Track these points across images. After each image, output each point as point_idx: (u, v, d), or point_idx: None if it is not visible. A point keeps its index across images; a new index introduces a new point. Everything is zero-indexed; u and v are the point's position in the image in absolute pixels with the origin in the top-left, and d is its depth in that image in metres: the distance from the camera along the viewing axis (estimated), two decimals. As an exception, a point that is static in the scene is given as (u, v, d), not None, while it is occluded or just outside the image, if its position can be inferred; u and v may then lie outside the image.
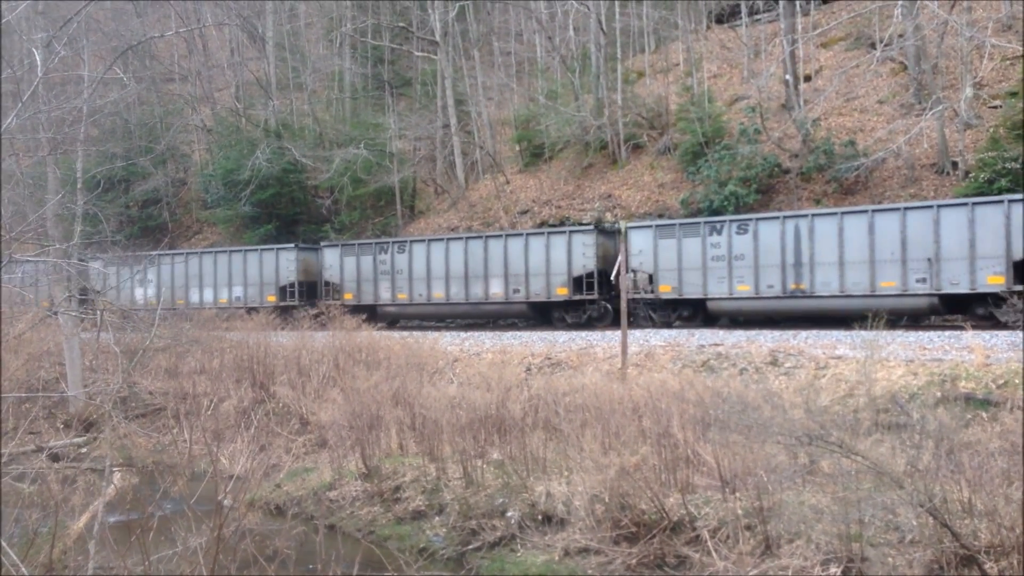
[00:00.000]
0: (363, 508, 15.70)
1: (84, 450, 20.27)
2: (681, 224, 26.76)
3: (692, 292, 25.96)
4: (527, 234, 29.64)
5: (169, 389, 23.73)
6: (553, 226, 34.10)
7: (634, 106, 38.37)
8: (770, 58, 38.52)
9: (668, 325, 26.31)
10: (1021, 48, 28.25)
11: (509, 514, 13.79)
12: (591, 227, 29.03)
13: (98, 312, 12.77)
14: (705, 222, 26.25)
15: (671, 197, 33.96)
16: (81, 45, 28.09)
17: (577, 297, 28.21)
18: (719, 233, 25.54)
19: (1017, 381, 15.01)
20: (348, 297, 32.69)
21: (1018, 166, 25.52)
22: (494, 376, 18.63)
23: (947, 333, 20.60)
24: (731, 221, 25.71)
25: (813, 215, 24.54)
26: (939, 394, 14.95)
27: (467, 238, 31.02)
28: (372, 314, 31.86)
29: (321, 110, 48.60)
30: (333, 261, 33.51)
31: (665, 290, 26.42)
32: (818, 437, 10.34)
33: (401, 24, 47.07)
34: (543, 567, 12.48)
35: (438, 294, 30.95)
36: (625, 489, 12.42)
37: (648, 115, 38.13)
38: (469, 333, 27.85)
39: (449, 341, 25.55)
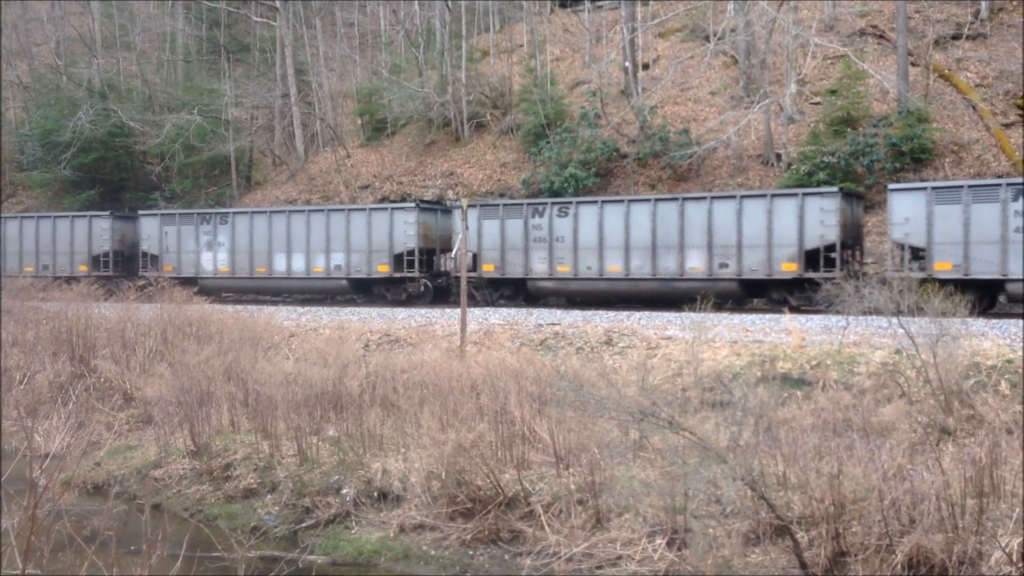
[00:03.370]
0: (191, 487, 15.19)
1: None
2: (971, 186, 21.70)
3: (984, 271, 21.28)
4: (741, 196, 24.58)
5: (-24, 362, 22.14)
6: (394, 202, 33.40)
7: (478, 85, 38.49)
8: (611, 45, 39.43)
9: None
10: (841, 48, 30.07)
11: (344, 491, 13.65)
12: (834, 189, 23.82)
13: None
14: (1008, 184, 21.36)
15: (513, 177, 34.31)
16: None
17: (809, 274, 23.13)
18: None
19: (829, 362, 16.02)
20: (488, 269, 27.38)
21: (835, 160, 27.20)
22: (332, 352, 18.29)
23: (768, 316, 21.71)
24: None
25: None
26: (759, 374, 15.76)
27: (656, 200, 25.73)
28: (518, 289, 27.44)
29: (151, 72, 46.33)
30: (468, 224, 26.85)
31: (942, 268, 21.51)
32: (650, 414, 10.72)
33: (239, -14, 45.41)
34: (377, 544, 12.44)
35: (613, 267, 25.64)
36: (462, 465, 12.51)
37: (491, 95, 38.34)
38: (306, 308, 27.25)
39: (285, 316, 24.97)
